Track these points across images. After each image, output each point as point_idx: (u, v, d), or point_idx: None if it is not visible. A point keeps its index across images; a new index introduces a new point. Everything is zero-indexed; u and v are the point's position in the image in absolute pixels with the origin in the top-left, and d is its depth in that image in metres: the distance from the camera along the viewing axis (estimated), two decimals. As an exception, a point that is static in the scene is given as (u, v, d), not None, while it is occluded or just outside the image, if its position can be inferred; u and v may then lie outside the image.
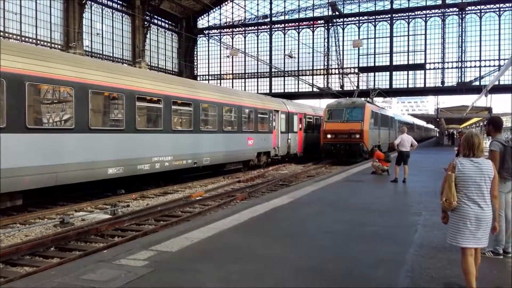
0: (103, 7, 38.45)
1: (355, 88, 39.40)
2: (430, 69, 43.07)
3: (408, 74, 44.13)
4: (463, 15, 41.58)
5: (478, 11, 41.40)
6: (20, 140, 10.16)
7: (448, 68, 42.48)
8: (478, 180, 4.31)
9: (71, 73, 11.60)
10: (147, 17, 41.81)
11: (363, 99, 29.95)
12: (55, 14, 33.43)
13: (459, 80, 41.56)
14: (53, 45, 32.98)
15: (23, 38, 30.53)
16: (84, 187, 13.37)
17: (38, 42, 31.77)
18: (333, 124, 26.50)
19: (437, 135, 75.96)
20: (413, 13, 43.45)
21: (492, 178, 4.36)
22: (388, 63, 44.21)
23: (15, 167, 9.98)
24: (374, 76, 45.00)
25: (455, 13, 42.12)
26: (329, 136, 26.29)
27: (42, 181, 10.77)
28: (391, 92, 45.71)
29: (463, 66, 41.54)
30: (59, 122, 12.09)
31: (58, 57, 12.21)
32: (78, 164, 11.66)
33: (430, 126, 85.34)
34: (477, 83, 40.69)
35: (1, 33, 28.89)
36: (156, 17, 44.43)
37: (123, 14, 40.56)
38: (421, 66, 43.36)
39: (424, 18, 43.25)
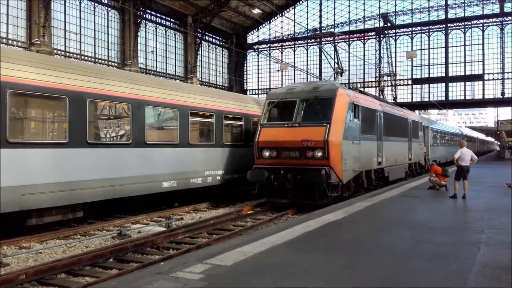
0: (157, 26, 39.91)
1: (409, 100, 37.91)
2: (489, 79, 41.31)
3: (465, 85, 42.46)
4: (524, 23, 39.79)
5: (540, 18, 39.48)
6: (81, 154, 10.61)
7: (508, 78, 40.61)
8: None
9: (128, 90, 12.04)
10: (198, 34, 42.90)
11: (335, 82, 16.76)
12: (112, 33, 35.04)
13: (521, 91, 39.65)
14: (110, 63, 34.54)
15: (82, 57, 32.18)
16: (138, 200, 13.73)
17: (96, 60, 33.36)
18: (273, 130, 14.36)
19: (498, 148, 72.44)
20: (469, 23, 42.00)
21: None
22: (443, 74, 42.77)
23: (77, 180, 10.42)
24: (429, 87, 43.63)
25: (514, 21, 40.38)
26: (266, 154, 14.16)
27: (101, 194, 11.17)
28: (447, 104, 44.14)
29: (525, 76, 39.63)
30: (117, 137, 12.55)
31: (116, 74, 12.74)
32: (135, 177, 12.03)
33: (489, 139, 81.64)
34: (540, 94, 38.72)
35: (63, 52, 30.58)
36: (207, 33, 45.49)
37: (176, 32, 41.89)
38: (479, 77, 41.64)
39: (481, 28, 41.68)
